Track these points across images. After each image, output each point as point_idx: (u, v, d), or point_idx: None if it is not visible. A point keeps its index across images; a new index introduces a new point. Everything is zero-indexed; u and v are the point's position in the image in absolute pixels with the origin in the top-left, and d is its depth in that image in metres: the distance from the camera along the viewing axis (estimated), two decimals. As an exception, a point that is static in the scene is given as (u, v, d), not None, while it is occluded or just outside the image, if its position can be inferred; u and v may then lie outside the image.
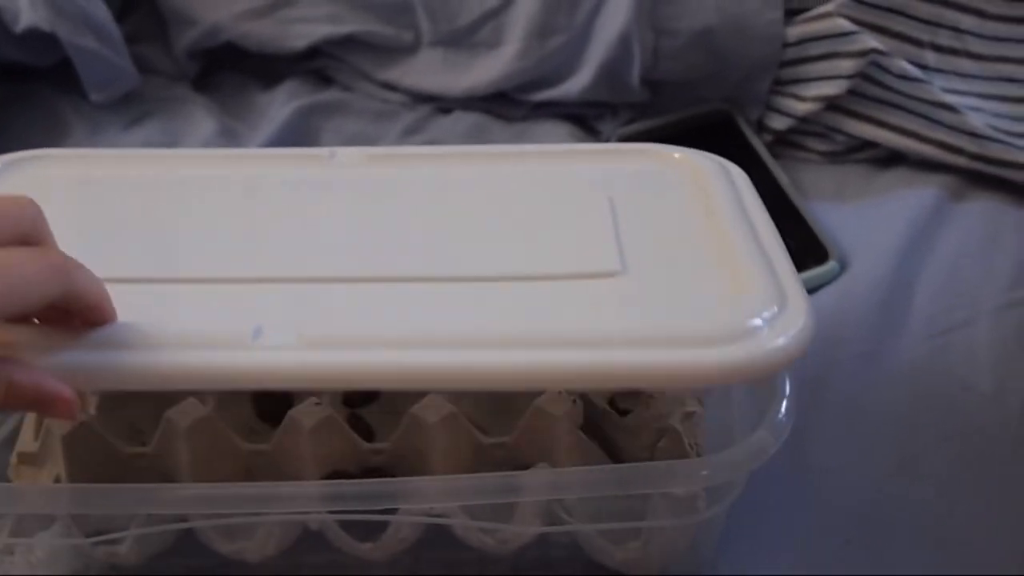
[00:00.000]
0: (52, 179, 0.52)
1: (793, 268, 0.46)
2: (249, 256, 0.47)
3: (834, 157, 0.72)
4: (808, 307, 0.43)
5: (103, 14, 0.75)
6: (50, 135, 0.73)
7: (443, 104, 0.78)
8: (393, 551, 0.47)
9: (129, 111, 0.76)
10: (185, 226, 0.49)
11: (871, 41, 0.69)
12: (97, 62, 0.74)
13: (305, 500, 0.43)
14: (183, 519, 0.45)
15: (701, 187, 0.51)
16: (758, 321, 0.42)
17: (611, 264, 0.45)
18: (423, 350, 0.40)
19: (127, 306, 0.42)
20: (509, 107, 0.77)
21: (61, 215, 0.47)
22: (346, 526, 0.46)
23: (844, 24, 0.70)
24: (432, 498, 0.43)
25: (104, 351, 0.40)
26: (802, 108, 0.71)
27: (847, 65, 0.69)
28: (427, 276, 0.45)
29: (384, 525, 0.46)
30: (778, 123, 0.73)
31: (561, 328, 0.42)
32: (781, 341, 0.41)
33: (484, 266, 0.46)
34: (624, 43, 0.72)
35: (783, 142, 0.73)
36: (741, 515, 0.49)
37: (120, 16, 0.78)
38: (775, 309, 0.42)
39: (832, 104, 0.71)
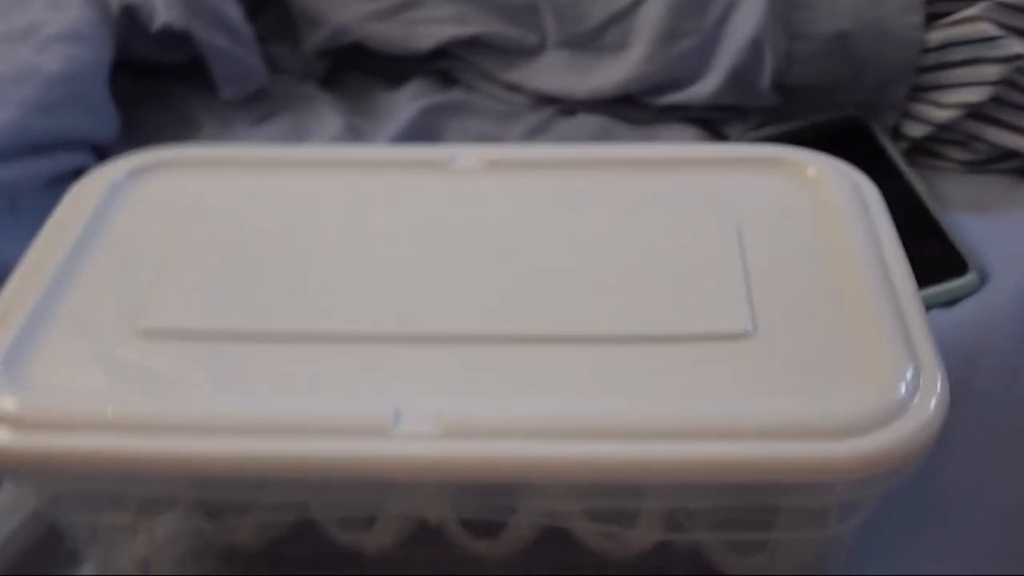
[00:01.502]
0: (182, 187, 0.52)
1: (926, 320, 0.44)
2: (377, 305, 0.45)
3: (974, 167, 0.70)
4: (941, 366, 0.41)
5: (235, 13, 0.76)
6: (182, 131, 0.75)
7: (567, 106, 0.77)
8: (510, 550, 0.46)
9: (258, 108, 0.77)
10: (307, 263, 0.48)
11: (1017, 46, 0.66)
12: (229, 60, 0.75)
13: (426, 496, 0.42)
14: (303, 508, 0.45)
15: (831, 212, 0.49)
16: (901, 394, 0.40)
17: (741, 323, 0.43)
18: (556, 442, 0.39)
19: (251, 371, 0.42)
20: (634, 110, 0.76)
21: (185, 245, 0.49)
22: (465, 522, 0.46)
23: (989, 29, 0.67)
24: (555, 499, 0.42)
25: (230, 437, 0.40)
26: (941, 115, 0.69)
27: (991, 71, 0.67)
28: (551, 335, 0.44)
29: (503, 523, 0.45)
30: (915, 130, 0.70)
31: (690, 413, 0.40)
32: (928, 413, 0.40)
33: (609, 323, 0.44)
34: (756, 47, 0.70)
35: (920, 150, 0.71)
36: (870, 532, 0.48)
37: (251, 16, 0.79)
38: (910, 372, 0.41)
39: (973, 112, 0.68)
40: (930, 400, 0.40)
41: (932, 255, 0.62)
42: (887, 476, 0.39)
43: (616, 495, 0.41)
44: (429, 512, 0.45)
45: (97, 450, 0.40)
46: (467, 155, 0.53)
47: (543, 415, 0.40)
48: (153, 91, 0.78)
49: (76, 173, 0.65)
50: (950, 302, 0.60)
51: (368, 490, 0.41)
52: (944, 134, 0.70)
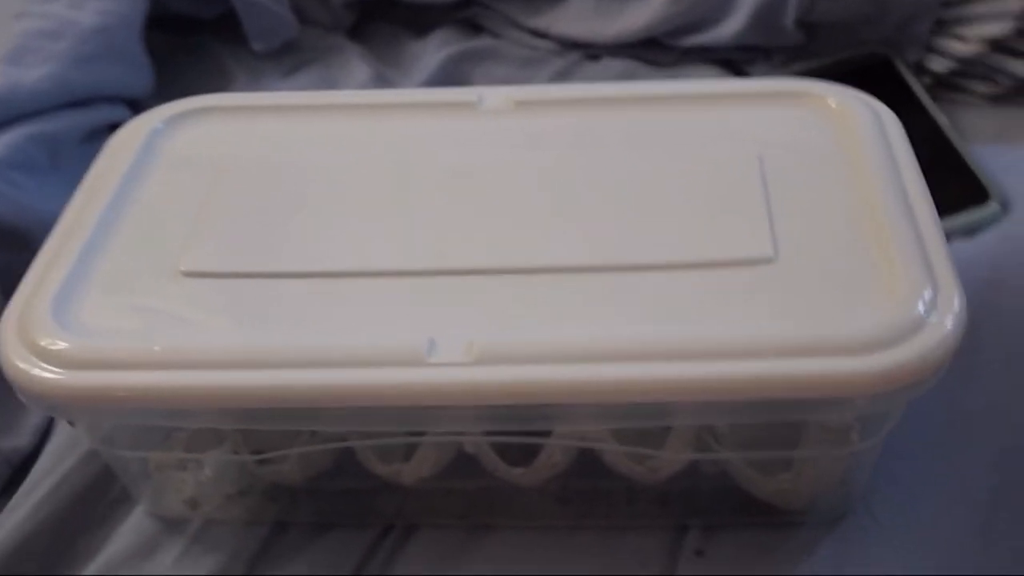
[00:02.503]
0: (217, 134, 0.54)
1: (945, 243, 0.44)
2: (409, 242, 0.47)
3: (998, 100, 0.70)
4: (959, 287, 0.42)
5: (265, -33, 0.77)
6: (214, 83, 0.76)
7: (592, 51, 0.78)
8: (544, 477, 0.48)
9: (288, 60, 0.78)
10: (342, 203, 0.49)
11: (1041, -22, 0.66)
12: (259, 12, 0.77)
13: (462, 421, 0.44)
14: (343, 439, 0.47)
15: (852, 141, 0.49)
16: (919, 311, 0.41)
17: (764, 249, 0.44)
18: (586, 365, 0.41)
19: (294, 307, 0.44)
20: (659, 53, 0.76)
21: (222, 189, 0.50)
22: (499, 451, 0.47)
23: (1012, -39, 0.67)
24: (585, 421, 0.44)
25: (271, 369, 0.41)
26: (965, 49, 0.69)
27: (1015, 4, 0.67)
28: (578, 266, 0.45)
29: (536, 451, 0.47)
30: (939, 65, 0.70)
31: (716, 334, 0.41)
32: (945, 331, 0.40)
33: (635, 251, 0.45)
34: (779, -15, 0.71)
35: (944, 84, 0.71)
36: (895, 451, 0.49)
37: (279, -31, 0.81)
38: (928, 291, 0.41)
39: (997, 45, 0.68)
40: (947, 318, 0.41)
41: (954, 186, 0.63)
42: (905, 391, 0.40)
43: (645, 416, 0.42)
44: (465, 439, 0.47)
45: (143, 387, 0.42)
46: (494, 96, 0.54)
47: (572, 341, 0.41)
48: (186, 45, 0.79)
49: (113, 127, 0.67)
50: (972, 231, 0.61)
51: (405, 417, 0.43)
52: (968, 68, 0.70)
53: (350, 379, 0.41)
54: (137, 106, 0.70)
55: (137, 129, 0.54)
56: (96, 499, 0.52)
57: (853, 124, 0.50)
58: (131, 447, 0.49)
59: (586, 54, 0.78)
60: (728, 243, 0.45)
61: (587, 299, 0.43)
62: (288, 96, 0.59)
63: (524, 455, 0.47)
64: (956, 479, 0.50)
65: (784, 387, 0.40)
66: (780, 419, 0.42)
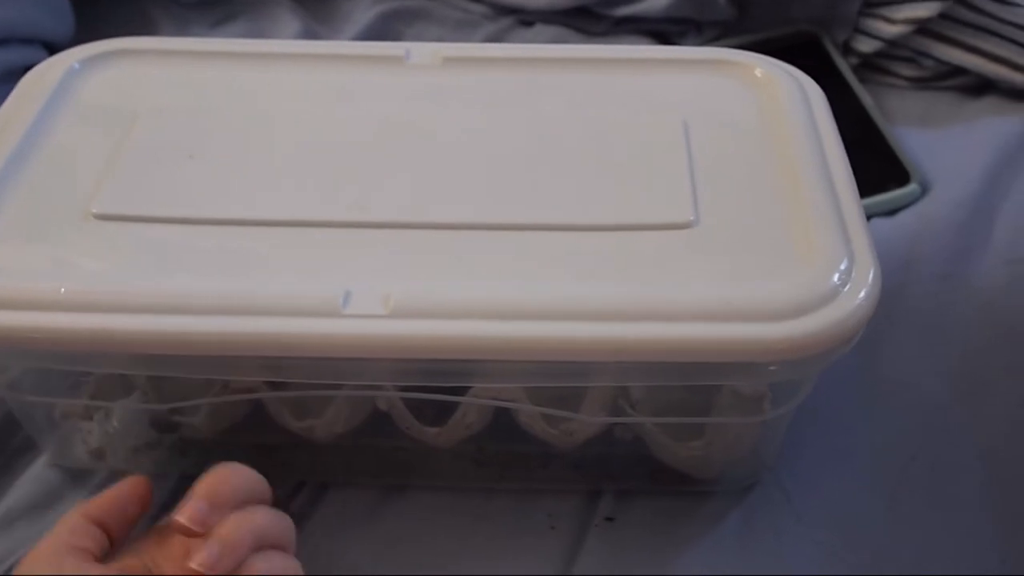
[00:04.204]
0: (136, 77, 0.52)
1: (863, 215, 0.45)
2: (329, 193, 0.46)
3: (922, 83, 0.71)
4: (875, 259, 0.43)
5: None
6: (139, 32, 0.72)
7: (525, 16, 0.77)
8: (458, 438, 0.48)
9: (215, 11, 0.77)
10: (262, 152, 0.48)
11: (967, -37, 0.67)
12: (186, -40, 0.75)
13: (375, 374, 0.43)
14: (254, 391, 0.46)
15: (777, 111, 0.50)
16: (834, 281, 0.41)
17: (684, 214, 0.44)
18: (503, 322, 0.40)
19: (209, 253, 0.43)
20: (591, 21, 0.76)
21: (139, 132, 0.48)
22: (414, 410, 0.47)
23: (940, -56, 0.68)
24: (502, 378, 0.43)
25: (184, 315, 0.41)
26: (891, 31, 0.70)
27: (940, -13, 0.68)
28: (500, 223, 0.44)
29: (451, 410, 0.47)
30: (865, 46, 0.71)
31: (634, 296, 0.41)
32: (858, 301, 0.41)
33: (558, 211, 0.45)
34: (711, -41, 0.71)
35: (870, 66, 0.72)
36: (805, 423, 0.49)
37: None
38: (844, 263, 0.42)
39: (922, 27, 0.69)
40: (860, 290, 0.41)
41: (877, 166, 0.64)
42: (817, 359, 0.41)
43: (561, 375, 0.42)
44: (379, 396, 0.46)
45: (50, 328, 0.41)
46: (422, 51, 0.53)
47: (491, 298, 0.41)
48: (109, -8, 0.77)
49: (29, 69, 0.65)
50: (892, 211, 0.62)
51: (318, 369, 0.42)
52: (894, 50, 0.71)
53: (264, 327, 0.40)
54: (54, 50, 0.68)
55: (52, 69, 0.52)
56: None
57: (778, 94, 0.51)
58: (37, 393, 0.47)
59: (519, 20, 0.77)
60: (650, 206, 0.45)
61: (507, 257, 0.43)
62: (211, 43, 0.57)
63: (439, 415, 0.47)
64: (865, 451, 0.50)
65: (699, 350, 0.40)
66: (694, 382, 0.43)
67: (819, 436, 0.50)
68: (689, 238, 0.44)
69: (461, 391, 0.45)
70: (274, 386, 0.46)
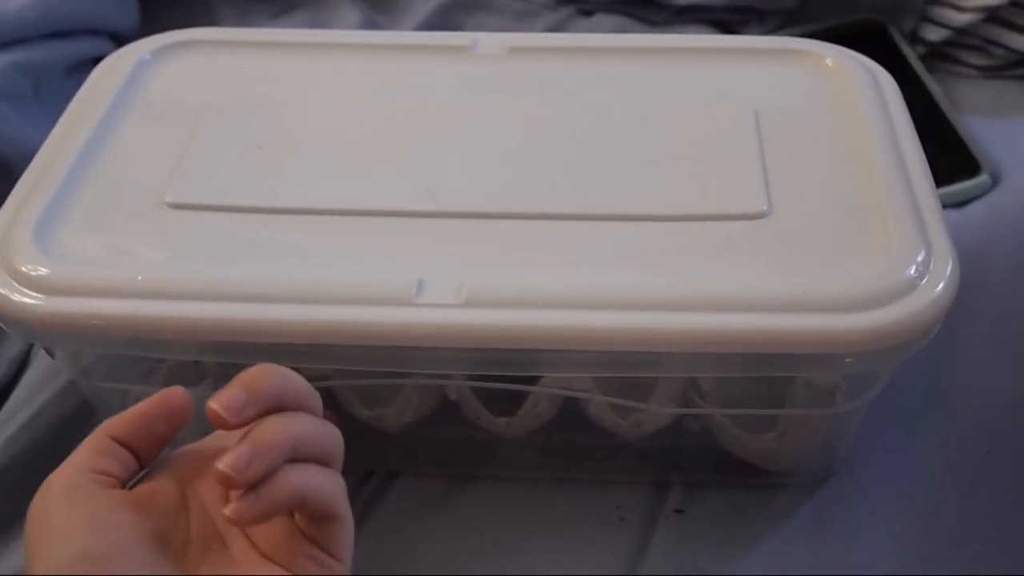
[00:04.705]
0: (205, 68, 0.53)
1: (939, 206, 0.44)
2: (398, 183, 0.46)
3: (992, 72, 0.70)
4: (953, 250, 0.42)
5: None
6: (201, 23, 0.73)
7: (585, 6, 0.77)
8: (527, 428, 0.48)
9: (276, 2, 0.77)
10: (331, 142, 0.48)
11: (1039, -51, 0.66)
12: (248, -49, 0.75)
13: (446, 363, 0.43)
14: (325, 379, 0.46)
15: (849, 101, 0.49)
16: (911, 273, 0.41)
17: (757, 204, 0.44)
18: (574, 312, 0.40)
19: (281, 242, 0.43)
20: (652, 10, 0.75)
21: (209, 122, 0.49)
22: (484, 399, 0.47)
23: (1011, -70, 0.67)
24: (572, 368, 0.43)
25: (258, 303, 0.41)
26: (960, 19, 0.69)
27: (1011, -26, 0.67)
28: (572, 213, 0.44)
29: (520, 401, 0.47)
30: (933, 34, 0.70)
31: (708, 286, 0.41)
32: (936, 293, 0.40)
33: (629, 201, 0.45)
34: (776, -54, 0.70)
35: (937, 55, 0.71)
36: (877, 414, 0.49)
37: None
38: (922, 254, 0.41)
39: (992, 15, 0.68)
40: (939, 282, 0.41)
41: (946, 157, 0.63)
42: (894, 351, 0.40)
43: (633, 365, 0.41)
44: (449, 385, 0.46)
45: (123, 315, 0.41)
46: (488, 41, 0.53)
47: (563, 287, 0.41)
48: (172, -16, 0.78)
49: (96, 60, 0.65)
50: (962, 202, 0.61)
51: (390, 358, 0.42)
52: (962, 38, 0.70)
53: (336, 316, 0.40)
54: (121, 41, 0.69)
55: (123, 60, 0.53)
56: (72, 433, 0.51)
57: (850, 85, 0.50)
58: (111, 379, 0.48)
59: (579, 9, 0.77)
60: (722, 197, 0.45)
61: (579, 246, 0.43)
62: (279, 33, 0.58)
63: (508, 405, 0.47)
64: (940, 445, 0.50)
65: (773, 342, 0.40)
66: (768, 373, 0.42)
67: (892, 428, 0.50)
68: (762, 228, 0.43)
69: (531, 380, 0.45)
70: (345, 374, 0.46)
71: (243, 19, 0.76)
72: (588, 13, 0.76)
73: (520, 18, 0.76)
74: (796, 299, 0.40)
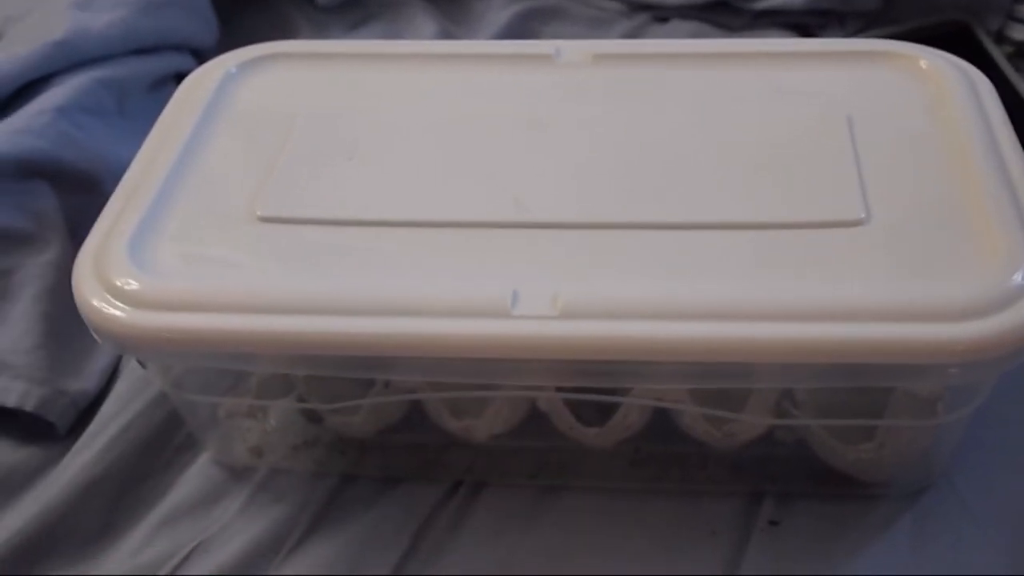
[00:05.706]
0: (291, 80, 0.53)
1: None
2: (488, 193, 0.46)
3: (1082, 71, 0.68)
4: None
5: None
6: (279, 36, 0.73)
7: (660, 13, 0.76)
8: (617, 439, 0.47)
9: (353, 14, 0.78)
10: (418, 153, 0.48)
11: None
12: (324, -35, 0.76)
13: (539, 375, 0.43)
14: (413, 391, 0.46)
15: (945, 104, 0.48)
16: (1017, 281, 0.39)
17: (855, 211, 0.43)
18: (671, 323, 0.40)
19: (372, 255, 0.43)
20: (729, 15, 0.75)
21: (297, 135, 0.49)
22: (573, 410, 0.46)
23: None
24: (667, 379, 0.43)
25: (351, 316, 0.41)
26: (1050, 18, 0.67)
27: (1102, -28, 0.65)
28: (665, 222, 0.43)
29: (611, 411, 0.46)
30: (1020, 34, 0.69)
31: (807, 295, 0.40)
32: None
33: (723, 209, 0.44)
34: (857, -54, 0.69)
35: (1025, 55, 0.69)
36: (977, 424, 0.47)
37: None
38: None
39: (1083, 14, 0.67)
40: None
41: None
42: (998, 362, 0.39)
43: (729, 376, 0.41)
44: (539, 396, 0.46)
45: (215, 328, 0.41)
46: (572, 49, 0.52)
47: (657, 297, 0.40)
48: (250, -1, 0.79)
49: (179, 76, 0.66)
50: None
51: (483, 370, 0.42)
52: (1052, 38, 0.68)
53: (432, 328, 0.40)
54: (202, 57, 0.70)
55: (209, 74, 0.53)
56: (162, 444, 0.51)
57: (946, 87, 0.49)
58: (201, 392, 0.48)
59: (654, 16, 0.76)
60: (818, 204, 0.44)
61: (673, 256, 0.42)
62: (361, 44, 0.58)
63: (598, 415, 0.47)
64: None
65: (874, 352, 0.39)
66: (868, 384, 0.41)
67: (996, 438, 0.48)
68: (860, 236, 0.42)
69: (623, 391, 0.45)
70: (435, 387, 0.46)
71: (320, 31, 0.76)
72: (663, 20, 0.76)
73: (596, 25, 0.76)
74: (898, 308, 0.39)
